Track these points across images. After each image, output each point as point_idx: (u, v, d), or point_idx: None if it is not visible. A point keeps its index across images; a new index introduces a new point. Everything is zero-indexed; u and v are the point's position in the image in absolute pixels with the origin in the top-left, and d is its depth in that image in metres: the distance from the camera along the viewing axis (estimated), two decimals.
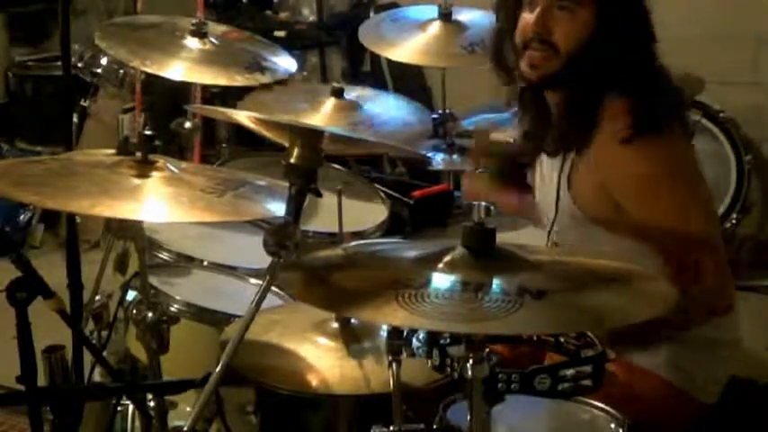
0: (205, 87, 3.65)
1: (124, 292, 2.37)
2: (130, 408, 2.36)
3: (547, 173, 2.32)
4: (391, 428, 1.73)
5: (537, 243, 2.43)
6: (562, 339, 1.65)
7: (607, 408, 1.82)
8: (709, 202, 2.21)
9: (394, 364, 1.73)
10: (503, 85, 2.37)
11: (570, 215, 2.23)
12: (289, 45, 3.42)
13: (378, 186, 3.09)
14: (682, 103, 2.23)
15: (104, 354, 2.26)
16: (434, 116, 3.28)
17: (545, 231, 2.35)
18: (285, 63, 3.02)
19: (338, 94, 2.95)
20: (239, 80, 2.85)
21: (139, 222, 2.08)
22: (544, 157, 2.33)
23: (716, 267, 2.08)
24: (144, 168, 1.89)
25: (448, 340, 1.57)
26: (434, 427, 1.72)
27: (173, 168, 1.92)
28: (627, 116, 2.08)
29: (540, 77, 2.17)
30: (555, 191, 2.25)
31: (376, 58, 4.82)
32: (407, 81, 4.82)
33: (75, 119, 4.30)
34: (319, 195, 1.88)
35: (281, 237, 1.82)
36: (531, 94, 2.28)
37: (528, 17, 2.17)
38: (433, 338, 1.58)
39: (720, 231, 2.27)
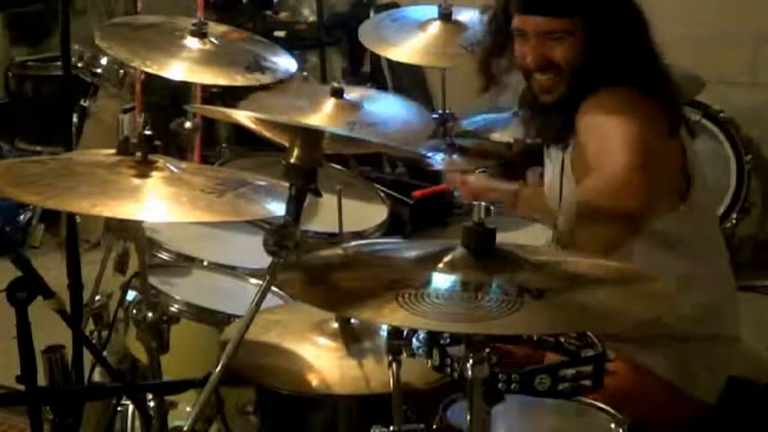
0: (205, 87, 3.65)
1: (124, 292, 2.37)
2: (130, 408, 2.35)
3: (552, 168, 2.33)
4: (391, 428, 1.73)
5: (537, 243, 2.44)
6: (562, 339, 1.65)
7: (607, 408, 1.82)
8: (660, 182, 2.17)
9: (394, 364, 1.73)
10: (481, 91, 2.41)
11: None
12: (289, 45, 3.42)
13: (378, 186, 3.08)
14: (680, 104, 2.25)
15: (104, 354, 2.26)
16: (434, 116, 3.29)
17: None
18: (285, 63, 3.03)
19: (338, 94, 2.95)
20: (239, 80, 2.85)
21: (139, 222, 2.08)
22: (551, 155, 2.34)
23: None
24: (144, 168, 1.89)
25: (448, 340, 1.57)
26: (434, 427, 1.72)
27: (173, 168, 1.92)
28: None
29: (556, 100, 2.22)
30: (558, 186, 2.24)
31: (376, 58, 4.81)
32: (407, 81, 4.82)
33: (75, 119, 4.31)
34: (319, 195, 1.87)
35: (281, 237, 1.82)
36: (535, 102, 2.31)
37: (522, 49, 2.23)
38: (433, 338, 1.58)
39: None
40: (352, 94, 3.00)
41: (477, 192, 2.51)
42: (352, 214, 2.31)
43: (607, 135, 2.06)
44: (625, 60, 2.17)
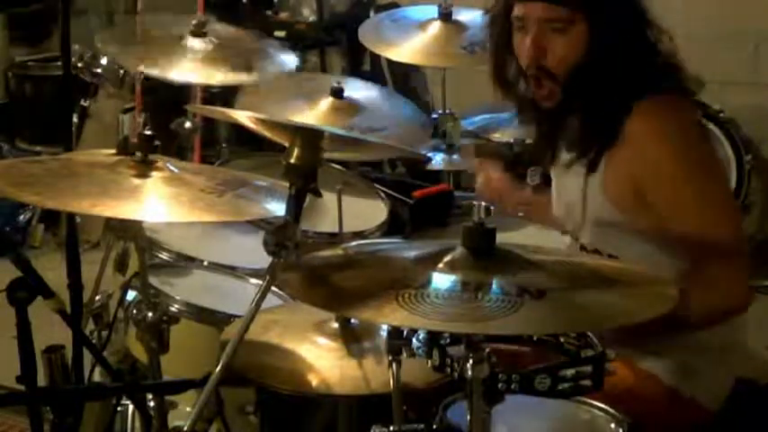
0: (205, 87, 3.65)
1: (124, 292, 2.37)
2: (130, 408, 2.36)
3: (570, 179, 2.24)
4: (391, 428, 1.72)
5: (538, 243, 2.43)
6: (562, 339, 1.65)
7: (607, 408, 1.82)
8: (735, 204, 2.20)
9: (394, 364, 1.73)
10: (503, 98, 2.34)
11: (597, 219, 2.16)
12: (289, 45, 3.42)
13: (378, 186, 3.09)
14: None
15: (104, 354, 2.26)
16: (434, 116, 3.29)
17: (568, 237, 2.33)
18: (285, 62, 3.03)
19: (338, 93, 2.95)
20: (239, 79, 2.85)
21: (139, 222, 2.08)
22: (561, 170, 2.28)
23: (732, 273, 2.06)
24: (144, 168, 1.89)
25: (448, 340, 1.57)
26: (434, 427, 1.72)
27: (173, 168, 1.92)
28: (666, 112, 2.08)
29: (556, 107, 2.14)
30: (581, 196, 2.18)
31: (376, 58, 4.82)
32: (407, 81, 4.83)
33: (75, 119, 4.31)
34: (319, 195, 1.88)
35: (281, 237, 1.82)
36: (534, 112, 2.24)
37: (524, 41, 2.12)
38: (433, 338, 1.58)
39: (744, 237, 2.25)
40: (352, 93, 2.99)
41: (499, 192, 2.52)
42: (352, 214, 2.30)
43: (678, 184, 2.05)
44: (631, 63, 2.09)
